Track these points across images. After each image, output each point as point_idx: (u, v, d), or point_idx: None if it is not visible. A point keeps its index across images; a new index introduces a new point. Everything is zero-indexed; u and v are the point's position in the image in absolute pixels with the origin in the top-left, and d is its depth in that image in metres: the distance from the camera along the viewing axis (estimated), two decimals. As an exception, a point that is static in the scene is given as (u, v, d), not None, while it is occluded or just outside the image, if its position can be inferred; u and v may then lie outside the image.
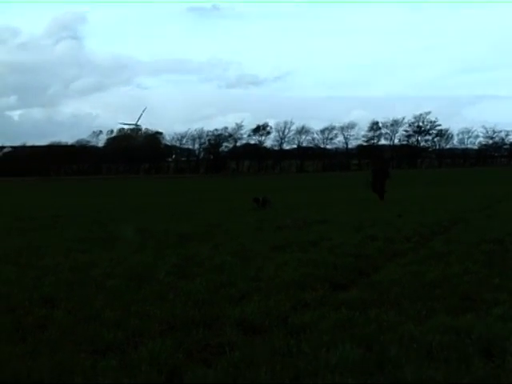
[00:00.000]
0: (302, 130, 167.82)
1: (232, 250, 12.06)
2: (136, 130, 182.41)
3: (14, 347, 5.89)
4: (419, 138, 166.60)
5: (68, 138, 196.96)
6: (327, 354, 5.42)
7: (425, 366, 5.09)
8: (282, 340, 5.93)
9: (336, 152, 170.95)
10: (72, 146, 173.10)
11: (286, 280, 8.83)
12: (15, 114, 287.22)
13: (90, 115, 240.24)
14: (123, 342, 6.06)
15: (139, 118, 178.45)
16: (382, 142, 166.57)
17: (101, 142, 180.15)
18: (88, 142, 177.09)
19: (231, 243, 13.37)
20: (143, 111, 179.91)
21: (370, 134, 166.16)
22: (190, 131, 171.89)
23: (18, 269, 10.52)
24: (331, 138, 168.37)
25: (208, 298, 7.76)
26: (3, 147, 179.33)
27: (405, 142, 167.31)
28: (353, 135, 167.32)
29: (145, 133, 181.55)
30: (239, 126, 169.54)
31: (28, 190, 68.95)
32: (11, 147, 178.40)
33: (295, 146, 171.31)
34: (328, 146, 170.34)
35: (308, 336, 6.07)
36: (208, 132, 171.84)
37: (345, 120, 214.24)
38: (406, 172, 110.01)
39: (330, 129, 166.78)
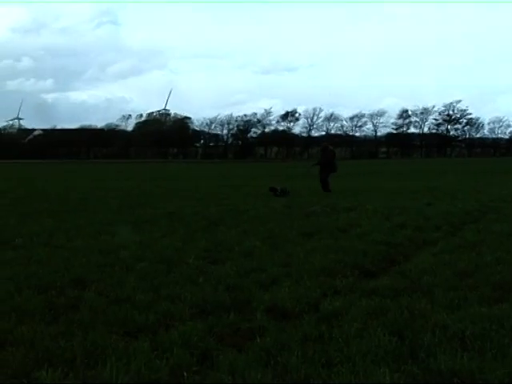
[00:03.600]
0: (331, 117, 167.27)
1: (261, 236, 12.05)
2: (165, 114, 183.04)
3: (47, 327, 5.94)
4: (449, 127, 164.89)
5: (100, 121, 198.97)
6: (359, 341, 5.40)
7: (458, 356, 5.05)
8: (313, 326, 5.91)
9: (364, 140, 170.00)
10: (101, 130, 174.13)
11: (316, 266, 8.80)
12: (50, 97, 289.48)
13: (123, 99, 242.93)
14: (154, 324, 6.09)
15: (167, 102, 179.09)
16: (412, 130, 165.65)
17: (130, 126, 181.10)
18: (117, 125, 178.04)
19: (260, 229, 13.35)
20: (169, 94, 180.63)
21: (400, 122, 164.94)
22: (219, 116, 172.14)
23: (49, 250, 10.62)
24: (360, 126, 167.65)
25: (238, 283, 7.77)
26: (34, 130, 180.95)
27: (434, 131, 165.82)
28: (382, 123, 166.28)
29: (173, 117, 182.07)
30: (268, 112, 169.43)
31: (57, 172, 69.36)
32: (42, 130, 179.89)
33: (323, 133, 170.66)
34: (357, 134, 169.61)
35: (339, 323, 6.04)
36: (237, 118, 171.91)
37: (375, 108, 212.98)
38: (434, 161, 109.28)
39: (360, 116, 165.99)
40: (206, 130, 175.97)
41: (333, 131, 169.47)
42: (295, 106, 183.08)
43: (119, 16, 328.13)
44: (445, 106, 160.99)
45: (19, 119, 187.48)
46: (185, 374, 4.77)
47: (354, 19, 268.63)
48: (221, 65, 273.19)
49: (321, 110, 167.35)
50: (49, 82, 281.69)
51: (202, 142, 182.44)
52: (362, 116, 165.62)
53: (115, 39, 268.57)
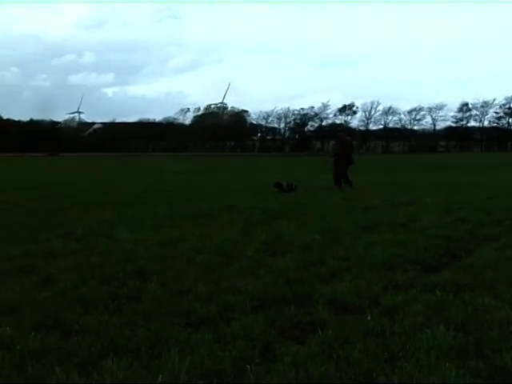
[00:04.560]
0: (389, 111, 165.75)
1: (320, 229, 12.01)
2: (222, 107, 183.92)
3: (111, 317, 6.04)
4: (510, 120, 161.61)
5: (158, 115, 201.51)
6: (422, 336, 5.35)
7: (525, 353, 4.96)
8: (374, 320, 5.87)
9: (423, 133, 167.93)
10: (160, 123, 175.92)
11: (376, 260, 8.74)
12: (110, 91, 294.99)
13: (181, 93, 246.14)
14: (216, 316, 6.13)
15: (224, 96, 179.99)
16: (472, 123, 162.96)
17: (188, 119, 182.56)
18: (175, 119, 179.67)
19: (319, 222, 13.32)
20: (227, 88, 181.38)
21: (459, 116, 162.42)
22: (276, 110, 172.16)
23: (110, 241, 10.77)
24: (419, 119, 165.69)
25: (298, 276, 7.76)
26: (94, 123, 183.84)
27: (495, 124, 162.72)
28: (441, 116, 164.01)
29: (231, 111, 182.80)
30: (325, 106, 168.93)
31: (116, 165, 70.32)
32: (101, 123, 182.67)
33: (381, 127, 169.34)
34: (415, 127, 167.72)
35: (401, 317, 5.99)
36: (294, 111, 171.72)
37: (434, 101, 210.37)
38: (495, 155, 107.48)
39: (418, 109, 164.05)
40: (263, 123, 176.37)
41: (391, 125, 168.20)
42: (353, 100, 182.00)
43: (179, 10, 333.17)
44: (506, 99, 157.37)
45: (79, 113, 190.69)
46: (248, 366, 4.79)
47: (414, 12, 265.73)
48: (279, 58, 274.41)
49: (379, 104, 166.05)
50: (110, 77, 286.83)
51: (259, 135, 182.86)
52: (421, 109, 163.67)
53: (175, 34, 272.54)
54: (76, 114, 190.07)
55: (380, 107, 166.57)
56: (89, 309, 6.33)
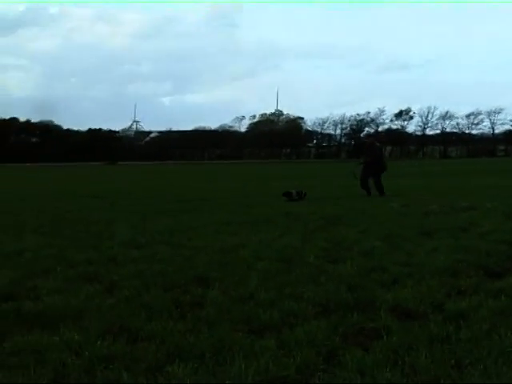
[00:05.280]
0: (446, 115, 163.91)
1: (379, 235, 11.94)
2: (277, 114, 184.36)
3: (175, 323, 6.10)
4: None
5: (215, 123, 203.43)
6: (489, 343, 5.27)
7: None
8: (439, 326, 5.81)
9: (481, 137, 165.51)
10: (215, 131, 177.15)
11: (438, 266, 8.64)
12: (167, 100, 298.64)
13: (237, 101, 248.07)
14: (279, 322, 6.13)
15: (277, 100, 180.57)
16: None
17: (243, 127, 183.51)
18: (231, 126, 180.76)
19: (378, 228, 13.24)
20: (277, 94, 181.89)
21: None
22: (331, 116, 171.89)
23: (170, 248, 10.89)
24: (477, 123, 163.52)
25: (360, 282, 7.72)
26: (150, 132, 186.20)
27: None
28: (500, 120, 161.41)
29: (286, 118, 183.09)
30: (381, 111, 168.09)
31: (173, 173, 70.98)
32: (158, 132, 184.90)
33: (438, 132, 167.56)
34: (473, 132, 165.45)
35: (466, 323, 5.92)
36: (350, 117, 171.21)
37: (493, 105, 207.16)
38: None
39: (476, 114, 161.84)
40: (319, 129, 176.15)
41: (448, 129, 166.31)
42: (409, 105, 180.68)
43: (236, 18, 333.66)
44: None
45: (137, 122, 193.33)
46: (318, 373, 4.79)
47: (472, 15, 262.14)
48: (334, 64, 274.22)
49: (436, 108, 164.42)
50: (167, 85, 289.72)
51: (314, 142, 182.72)
52: (479, 113, 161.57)
53: (231, 41, 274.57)
54: (133, 123, 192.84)
55: (437, 112, 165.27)
56: (153, 315, 6.41)
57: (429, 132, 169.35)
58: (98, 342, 5.51)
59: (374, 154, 24.41)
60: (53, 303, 6.95)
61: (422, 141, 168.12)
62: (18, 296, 7.47)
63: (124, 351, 5.32)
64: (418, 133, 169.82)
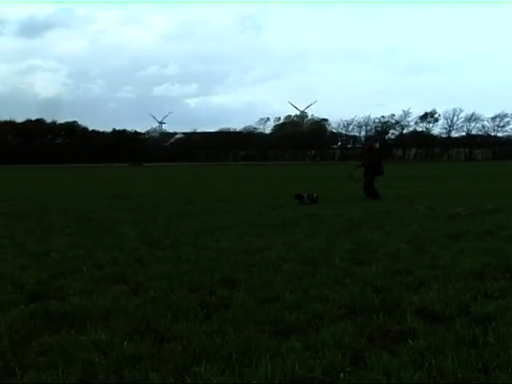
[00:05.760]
0: (472, 118, 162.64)
1: (405, 237, 11.92)
2: (302, 116, 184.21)
3: (201, 324, 6.13)
4: None
5: (239, 124, 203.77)
6: (517, 347, 5.25)
7: None
8: (465, 329, 5.78)
9: (508, 140, 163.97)
10: (240, 133, 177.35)
11: (464, 269, 8.60)
12: (192, 102, 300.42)
13: (263, 102, 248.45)
14: (305, 324, 6.15)
15: (307, 107, 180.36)
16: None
17: (268, 128, 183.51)
18: (255, 128, 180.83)
19: (403, 230, 13.22)
20: (313, 103, 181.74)
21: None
22: (356, 118, 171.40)
23: (196, 250, 10.94)
24: (503, 126, 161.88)
25: (385, 284, 7.71)
26: (175, 133, 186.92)
27: None
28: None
29: (311, 120, 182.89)
30: (406, 114, 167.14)
31: (197, 174, 71.10)
32: (182, 133, 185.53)
33: (464, 134, 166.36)
34: (499, 134, 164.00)
35: (493, 327, 5.88)
36: (374, 119, 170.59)
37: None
38: None
39: (502, 116, 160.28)
40: (344, 131, 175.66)
41: (473, 132, 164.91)
42: (435, 107, 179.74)
43: (262, 20, 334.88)
44: None
45: (161, 123, 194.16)
46: (341, 374, 4.79)
47: (497, 17, 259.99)
48: (360, 67, 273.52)
49: (461, 111, 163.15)
50: (193, 87, 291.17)
51: (339, 143, 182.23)
52: (505, 115, 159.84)
53: (257, 43, 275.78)
54: (158, 125, 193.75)
55: (462, 114, 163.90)
56: (179, 316, 6.44)
57: (454, 134, 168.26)
58: (125, 342, 5.56)
59: (374, 157, 24.46)
60: (80, 303, 7.02)
61: (447, 143, 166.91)
62: (46, 296, 7.56)
63: (151, 351, 5.37)
64: (443, 135, 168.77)
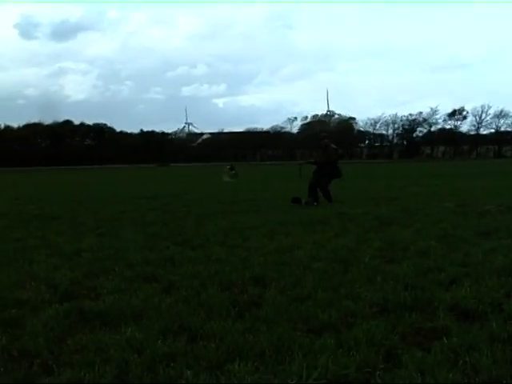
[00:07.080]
0: (501, 114, 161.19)
1: (435, 235, 11.87)
2: (329, 115, 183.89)
3: (233, 323, 6.16)
4: None
5: (267, 124, 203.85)
6: (552, 345, 5.21)
7: None
8: (500, 327, 5.76)
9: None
10: (267, 132, 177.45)
11: (496, 266, 8.56)
12: (220, 102, 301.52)
13: (291, 102, 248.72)
14: (337, 322, 6.16)
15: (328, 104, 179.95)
16: None
17: (295, 128, 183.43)
18: (282, 128, 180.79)
19: (433, 228, 13.16)
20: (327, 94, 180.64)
21: None
22: (383, 116, 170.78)
23: (226, 249, 10.97)
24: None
25: (417, 282, 7.69)
26: (202, 133, 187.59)
27: None
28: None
29: (338, 118, 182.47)
30: (434, 111, 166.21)
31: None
32: (209, 133, 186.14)
33: (493, 131, 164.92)
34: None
35: (527, 324, 5.85)
36: (402, 117, 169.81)
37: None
38: None
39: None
40: (371, 130, 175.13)
41: (502, 128, 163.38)
42: (463, 104, 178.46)
43: (292, 20, 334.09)
44: None
45: (189, 124, 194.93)
46: (378, 373, 4.80)
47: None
48: (387, 65, 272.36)
49: (490, 107, 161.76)
50: (221, 87, 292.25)
51: (366, 142, 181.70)
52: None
53: (286, 43, 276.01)
54: (185, 125, 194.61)
55: (491, 111, 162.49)
56: (212, 315, 6.48)
57: (483, 131, 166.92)
58: (159, 341, 5.61)
59: (330, 155, 22.41)
60: (113, 303, 7.09)
61: (475, 140, 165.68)
62: (79, 295, 7.64)
63: (184, 350, 5.41)
64: (472, 132, 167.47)
